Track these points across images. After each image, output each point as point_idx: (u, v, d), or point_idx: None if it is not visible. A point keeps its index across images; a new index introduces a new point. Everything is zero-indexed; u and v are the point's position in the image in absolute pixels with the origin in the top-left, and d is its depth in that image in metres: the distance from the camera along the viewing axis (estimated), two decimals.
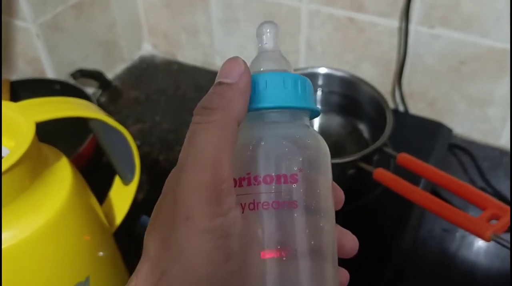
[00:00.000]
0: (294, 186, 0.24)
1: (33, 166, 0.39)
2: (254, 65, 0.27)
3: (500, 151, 0.76)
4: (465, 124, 0.77)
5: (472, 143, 0.77)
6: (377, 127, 0.66)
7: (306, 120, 0.27)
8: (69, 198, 0.41)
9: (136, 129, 0.81)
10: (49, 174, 0.42)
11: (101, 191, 0.53)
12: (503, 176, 0.71)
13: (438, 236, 0.63)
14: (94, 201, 0.48)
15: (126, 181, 0.52)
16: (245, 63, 0.25)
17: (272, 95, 0.25)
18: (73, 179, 0.43)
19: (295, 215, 0.24)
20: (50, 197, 0.41)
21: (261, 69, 0.27)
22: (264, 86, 0.25)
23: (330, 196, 0.26)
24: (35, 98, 0.42)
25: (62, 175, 0.43)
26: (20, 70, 0.83)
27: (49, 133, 0.47)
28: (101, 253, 0.47)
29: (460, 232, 0.63)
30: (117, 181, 0.53)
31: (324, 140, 0.26)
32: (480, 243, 0.62)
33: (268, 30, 0.27)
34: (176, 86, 0.91)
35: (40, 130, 0.40)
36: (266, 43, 0.27)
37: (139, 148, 0.77)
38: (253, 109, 0.25)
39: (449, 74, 0.74)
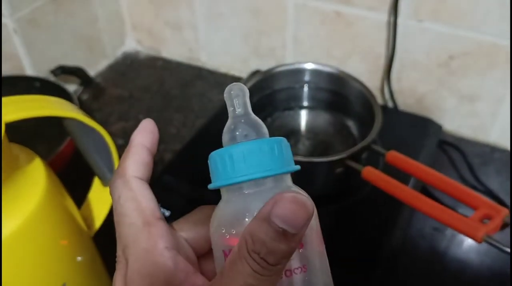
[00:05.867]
0: (301, 250, 0.24)
1: (2, 167, 0.37)
2: (228, 134, 0.26)
3: (490, 147, 0.74)
4: (455, 121, 0.76)
5: (462, 139, 0.76)
6: (365, 124, 0.64)
7: (288, 180, 0.26)
8: (42, 201, 0.39)
9: (119, 127, 0.79)
10: (21, 176, 0.40)
11: (83, 193, 0.51)
12: (493, 173, 0.70)
13: (428, 235, 0.62)
14: (70, 203, 0.46)
15: (106, 182, 0.50)
16: (313, 206, 0.23)
17: (257, 165, 0.24)
18: (47, 181, 0.41)
19: (306, 278, 0.24)
20: (22, 200, 0.38)
21: (236, 137, 0.26)
22: (244, 157, 0.24)
23: (322, 243, 0.26)
24: (6, 96, 0.40)
25: (36, 177, 0.41)
26: None
27: (29, 133, 0.45)
28: (79, 258, 0.45)
29: (450, 231, 0.62)
30: (96, 182, 0.51)
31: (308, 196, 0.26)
32: (470, 242, 0.61)
33: (238, 94, 0.26)
34: (161, 83, 0.89)
35: (18, 130, 0.38)
36: (237, 108, 0.26)
37: (122, 147, 0.76)
38: (236, 182, 0.24)
39: (438, 69, 0.72)
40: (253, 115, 0.26)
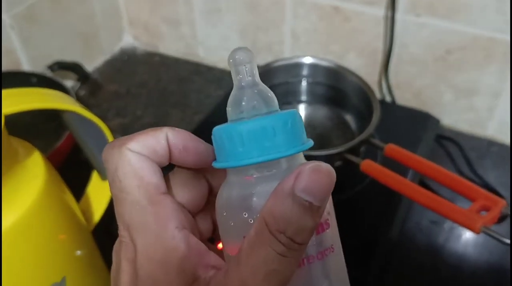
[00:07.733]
0: (327, 231, 0.23)
1: (2, 161, 0.37)
2: (234, 107, 0.23)
3: (487, 141, 0.75)
4: (452, 115, 0.76)
5: (459, 134, 0.76)
6: (364, 118, 0.64)
7: (301, 155, 0.24)
8: (41, 195, 0.39)
9: (116, 123, 0.79)
10: (21, 169, 0.40)
11: (81, 187, 0.51)
12: (490, 166, 0.71)
13: (425, 228, 0.62)
14: (70, 198, 0.45)
15: (104, 176, 0.50)
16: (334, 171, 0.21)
17: (272, 145, 0.22)
18: (47, 175, 0.41)
19: (335, 258, 0.24)
20: (21, 194, 0.38)
21: (243, 112, 0.23)
22: (266, 134, 0.22)
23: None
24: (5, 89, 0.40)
25: (35, 171, 0.40)
26: None
27: (27, 128, 0.45)
28: (78, 252, 0.45)
29: (448, 224, 0.62)
30: (94, 176, 0.51)
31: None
32: (468, 235, 0.61)
33: (244, 60, 0.23)
34: (158, 79, 0.89)
35: (16, 123, 0.38)
36: (245, 77, 0.23)
37: None
38: (249, 164, 0.22)
39: (435, 63, 0.72)
40: (262, 84, 0.24)
